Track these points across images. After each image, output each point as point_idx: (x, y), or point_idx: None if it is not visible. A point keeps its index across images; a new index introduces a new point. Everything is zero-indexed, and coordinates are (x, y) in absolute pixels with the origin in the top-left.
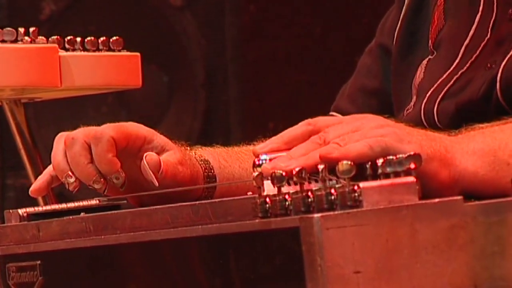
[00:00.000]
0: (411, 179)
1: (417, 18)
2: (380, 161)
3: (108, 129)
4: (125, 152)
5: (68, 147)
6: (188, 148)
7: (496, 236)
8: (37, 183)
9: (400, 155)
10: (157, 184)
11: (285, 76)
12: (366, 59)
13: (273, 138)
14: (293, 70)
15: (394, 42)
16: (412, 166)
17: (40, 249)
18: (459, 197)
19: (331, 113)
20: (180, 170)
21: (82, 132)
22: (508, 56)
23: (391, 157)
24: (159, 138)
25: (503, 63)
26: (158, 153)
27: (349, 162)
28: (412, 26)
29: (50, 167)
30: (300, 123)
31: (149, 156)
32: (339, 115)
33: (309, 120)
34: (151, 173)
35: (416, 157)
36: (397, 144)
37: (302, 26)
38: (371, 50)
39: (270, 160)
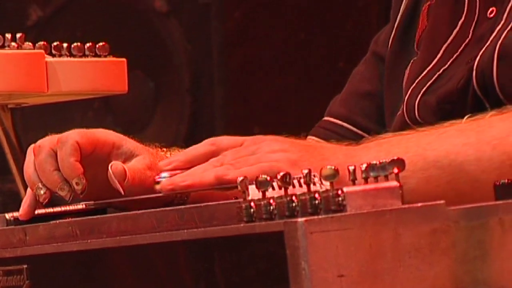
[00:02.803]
0: (395, 183)
1: (409, 27)
2: (363, 166)
3: (74, 134)
4: (93, 158)
5: (36, 156)
6: (164, 150)
7: (478, 240)
8: (23, 207)
9: (384, 160)
10: (123, 193)
11: (269, 81)
12: (360, 67)
13: (178, 155)
14: (277, 75)
15: (388, 49)
16: (396, 170)
17: (26, 253)
18: (441, 202)
19: (324, 118)
20: (149, 175)
21: (49, 140)
22: (483, 48)
23: (374, 162)
24: (129, 144)
25: (479, 55)
26: (128, 159)
27: (333, 167)
28: (404, 35)
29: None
30: (203, 142)
31: (114, 166)
32: (332, 119)
33: (212, 139)
34: (117, 182)
35: (399, 162)
36: (289, 168)
37: (286, 32)
38: (365, 59)
39: (171, 176)
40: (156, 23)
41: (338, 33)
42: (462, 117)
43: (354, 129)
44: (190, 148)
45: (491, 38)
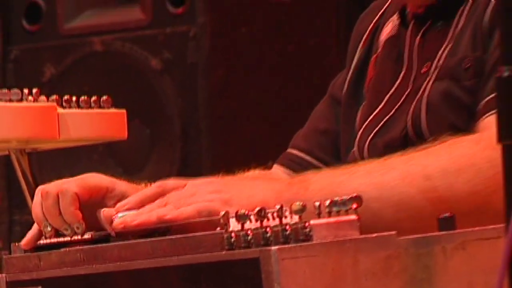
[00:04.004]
0: (353, 217)
1: (361, 74)
2: (327, 202)
3: (73, 186)
4: (90, 202)
5: (44, 200)
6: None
7: (424, 265)
8: (27, 238)
9: (344, 197)
10: (113, 234)
11: (249, 129)
12: (320, 107)
13: (131, 197)
14: (255, 124)
15: (343, 93)
16: (354, 206)
17: (41, 276)
18: (393, 232)
19: (288, 150)
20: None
21: (54, 187)
22: (415, 101)
23: (336, 198)
24: (120, 186)
25: (412, 106)
26: (120, 199)
27: (301, 203)
28: (357, 81)
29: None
30: (153, 185)
31: (106, 212)
32: (294, 151)
33: (159, 183)
34: (108, 225)
35: (357, 199)
36: (222, 207)
37: (262, 87)
38: (324, 100)
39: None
40: (151, 80)
41: (306, 86)
42: None
43: (313, 161)
44: (142, 191)
45: (421, 91)
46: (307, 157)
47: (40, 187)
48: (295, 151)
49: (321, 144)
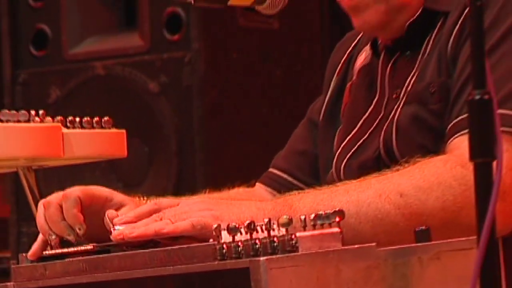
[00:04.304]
0: (336, 229)
1: (337, 100)
2: (312, 216)
3: (76, 191)
4: (91, 209)
5: (46, 209)
6: (145, 199)
7: (402, 274)
8: (33, 249)
9: (328, 211)
10: (112, 239)
11: (241, 147)
12: (298, 130)
13: (129, 213)
14: (246, 142)
15: (321, 117)
16: (337, 219)
17: (46, 284)
18: (373, 244)
19: (270, 169)
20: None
21: (55, 197)
22: (386, 124)
23: (321, 212)
24: (118, 197)
25: (384, 130)
26: (118, 209)
27: (288, 217)
28: (333, 106)
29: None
30: (149, 203)
31: (110, 214)
32: (275, 170)
33: (155, 200)
34: (111, 226)
35: (340, 212)
36: (214, 222)
37: (252, 107)
38: (303, 123)
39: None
40: (149, 102)
41: (292, 108)
42: None
43: (293, 180)
44: (139, 207)
45: (391, 115)
46: (287, 177)
47: (42, 200)
48: (275, 171)
49: (300, 164)
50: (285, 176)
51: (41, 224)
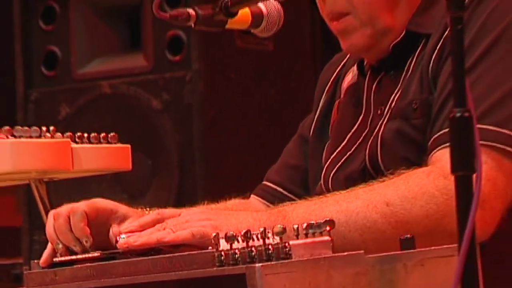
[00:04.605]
0: (327, 238)
1: (326, 117)
2: (304, 225)
3: (82, 205)
4: (96, 221)
5: (55, 220)
6: (148, 210)
7: (388, 279)
8: (44, 256)
9: (319, 221)
10: (119, 248)
11: (238, 161)
12: (290, 145)
13: (134, 222)
14: (243, 157)
15: (311, 133)
16: (328, 228)
17: None
18: (361, 251)
19: (263, 182)
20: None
21: (64, 209)
22: (371, 138)
23: (312, 222)
24: (122, 209)
25: (369, 143)
26: (122, 220)
27: (282, 226)
28: (322, 123)
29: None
30: (152, 213)
31: (114, 229)
32: (269, 183)
33: (158, 211)
34: (115, 239)
35: (330, 222)
36: (213, 231)
37: (249, 124)
38: (294, 139)
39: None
40: (152, 118)
41: (287, 124)
42: None
43: (285, 192)
44: (143, 217)
45: (376, 130)
46: (279, 189)
47: (52, 211)
48: (269, 184)
49: (291, 177)
50: (277, 188)
51: (50, 233)
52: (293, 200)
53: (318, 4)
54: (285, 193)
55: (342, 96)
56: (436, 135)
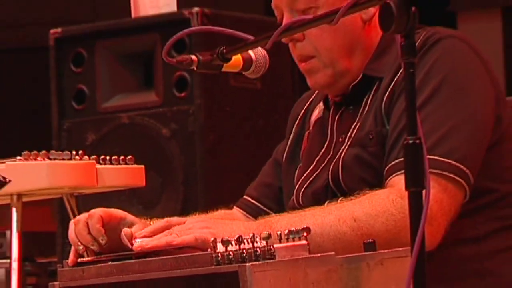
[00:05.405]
0: (304, 242)
1: (297, 144)
2: (286, 232)
3: (99, 211)
4: (109, 225)
5: (76, 226)
6: (150, 220)
7: (354, 276)
8: (70, 258)
9: (298, 227)
10: (131, 247)
11: (232, 180)
12: (266, 167)
13: (147, 228)
14: (237, 176)
15: (284, 159)
16: (305, 234)
17: (84, 283)
18: (332, 253)
19: (244, 196)
20: None
21: (83, 216)
22: (334, 162)
23: (293, 228)
24: (129, 217)
25: (332, 166)
26: (130, 226)
27: (268, 232)
28: (294, 149)
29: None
30: (161, 220)
31: (125, 231)
32: (248, 198)
33: (166, 219)
34: (127, 241)
35: (307, 229)
36: (212, 237)
37: (241, 148)
38: (270, 161)
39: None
40: (162, 144)
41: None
42: (323, 203)
43: (261, 206)
44: (154, 224)
45: (338, 154)
46: (256, 203)
47: (73, 219)
48: (248, 198)
49: (266, 194)
50: (255, 202)
51: (72, 237)
52: (267, 212)
53: (290, 49)
54: (261, 206)
55: (311, 127)
56: (392, 163)
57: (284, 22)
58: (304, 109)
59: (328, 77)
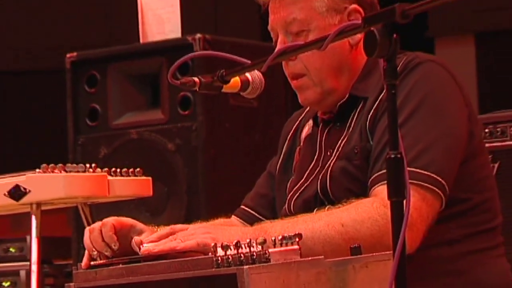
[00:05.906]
0: (296, 247)
1: (289, 159)
2: (280, 237)
3: (111, 220)
4: (121, 232)
5: (90, 233)
6: (157, 227)
7: (341, 278)
8: (84, 261)
9: (290, 234)
10: (140, 253)
11: (231, 190)
12: (261, 179)
13: (153, 234)
14: (236, 186)
15: (277, 172)
16: (297, 240)
17: (97, 284)
18: (321, 257)
19: (241, 206)
20: None
21: (97, 224)
22: (322, 174)
23: (286, 234)
24: (139, 225)
25: (320, 177)
26: (139, 234)
27: (263, 238)
28: (286, 163)
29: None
30: (167, 228)
31: (136, 239)
32: (245, 207)
33: (171, 226)
34: (137, 248)
35: (299, 235)
36: (212, 241)
37: (239, 161)
38: (264, 174)
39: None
40: (168, 157)
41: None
42: (313, 210)
43: (256, 214)
44: (160, 231)
45: (326, 167)
46: (252, 212)
47: (87, 227)
48: (245, 207)
49: (262, 203)
50: (251, 211)
51: (87, 244)
52: (262, 220)
53: (284, 67)
54: (256, 215)
55: (301, 143)
56: (376, 174)
57: (279, 42)
58: (294, 127)
59: (317, 94)
